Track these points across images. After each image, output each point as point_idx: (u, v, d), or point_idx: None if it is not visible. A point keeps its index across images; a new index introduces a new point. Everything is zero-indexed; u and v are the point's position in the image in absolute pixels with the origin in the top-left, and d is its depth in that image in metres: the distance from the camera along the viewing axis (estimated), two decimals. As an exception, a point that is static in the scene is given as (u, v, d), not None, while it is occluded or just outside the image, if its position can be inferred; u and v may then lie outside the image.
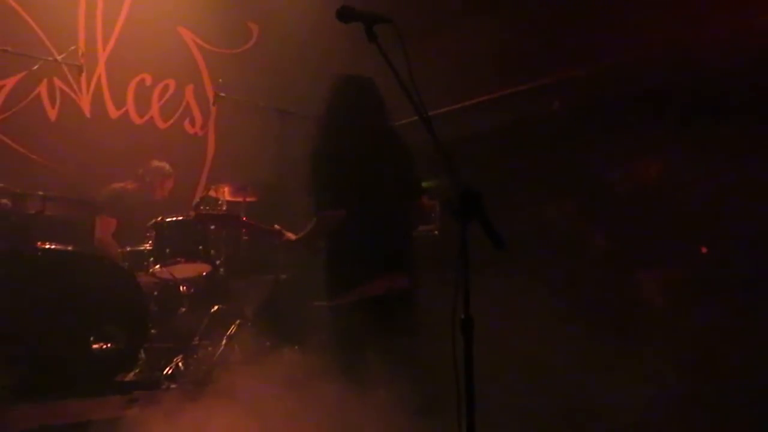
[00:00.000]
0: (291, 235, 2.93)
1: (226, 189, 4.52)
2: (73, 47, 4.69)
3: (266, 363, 3.35)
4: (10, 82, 5.04)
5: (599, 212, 3.97)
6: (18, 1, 5.14)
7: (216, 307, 4.21)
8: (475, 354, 1.63)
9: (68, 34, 5.27)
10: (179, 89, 5.93)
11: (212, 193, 4.57)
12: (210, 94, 5.74)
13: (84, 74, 5.06)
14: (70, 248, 3.69)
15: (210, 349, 3.92)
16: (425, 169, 2.95)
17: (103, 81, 5.54)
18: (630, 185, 3.90)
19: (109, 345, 3.61)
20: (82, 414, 3.11)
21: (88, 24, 5.49)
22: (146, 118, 5.76)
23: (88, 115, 5.45)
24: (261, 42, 6.25)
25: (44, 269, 3.52)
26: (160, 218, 4.20)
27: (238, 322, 3.99)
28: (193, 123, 6.02)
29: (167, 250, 4.11)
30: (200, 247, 4.20)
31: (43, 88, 5.20)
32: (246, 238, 4.41)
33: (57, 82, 5.27)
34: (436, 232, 3.98)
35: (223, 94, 4.97)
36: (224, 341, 3.86)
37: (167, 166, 5.00)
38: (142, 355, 3.88)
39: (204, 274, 4.33)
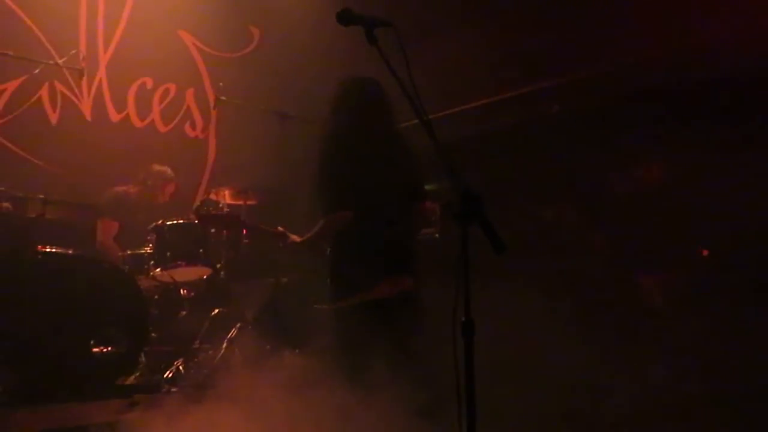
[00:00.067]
0: (295, 237, 2.91)
1: (227, 192, 4.53)
2: (74, 51, 4.70)
3: (267, 366, 3.35)
4: (12, 86, 5.05)
5: (599, 214, 3.97)
6: (19, 5, 5.15)
7: (216, 311, 4.21)
8: (475, 356, 1.63)
9: (69, 38, 5.28)
10: (180, 93, 5.93)
11: (213, 197, 4.58)
12: (211, 98, 5.75)
13: (85, 78, 5.06)
14: (70, 252, 3.69)
15: (210, 352, 3.92)
16: (425, 172, 2.96)
17: (104, 85, 5.55)
18: (630, 188, 3.90)
19: (109, 348, 3.61)
20: (82, 417, 3.11)
21: (89, 28, 5.50)
22: (147, 121, 5.77)
23: (89, 118, 5.45)
24: (262, 46, 6.26)
25: (45, 273, 3.52)
26: (160, 221, 4.20)
27: (238, 325, 3.99)
28: (193, 126, 6.03)
29: (168, 254, 4.11)
30: (201, 250, 4.20)
31: (44, 92, 5.21)
32: (247, 241, 4.41)
33: (58, 85, 5.27)
34: (437, 235, 3.98)
35: (223, 98, 4.98)
36: (225, 344, 3.86)
37: (169, 171, 5.01)
38: (143, 358, 3.88)
39: (204, 277, 4.33)
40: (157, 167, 4.97)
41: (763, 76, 3.27)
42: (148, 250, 4.18)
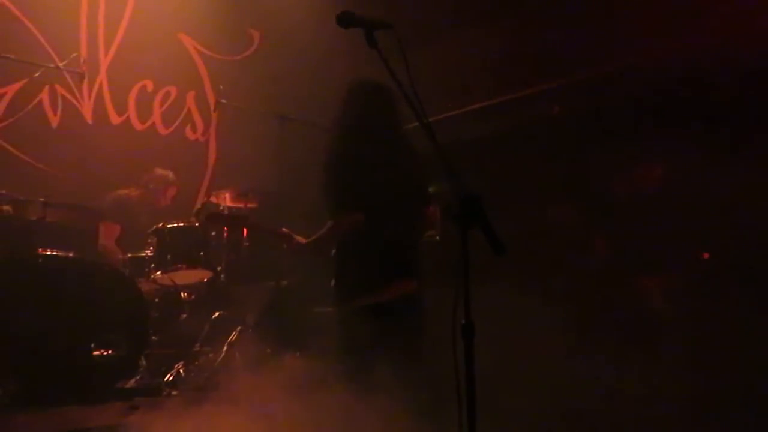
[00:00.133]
0: (301, 239, 2.88)
1: (227, 195, 4.53)
2: (74, 54, 4.71)
3: (267, 369, 3.35)
4: (12, 89, 5.06)
5: (600, 216, 3.97)
6: (20, 8, 5.16)
7: (217, 314, 4.21)
8: (476, 357, 1.63)
9: (70, 41, 5.29)
10: (180, 96, 5.94)
11: (213, 199, 4.59)
12: (211, 101, 5.76)
13: (86, 81, 5.08)
14: (71, 255, 3.69)
15: (211, 355, 3.92)
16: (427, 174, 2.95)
17: (105, 87, 5.56)
18: (631, 189, 3.90)
19: (109, 352, 3.61)
20: (83, 421, 3.10)
21: (89, 31, 5.51)
22: (148, 124, 5.77)
23: (89, 121, 5.46)
24: (262, 49, 6.26)
25: (45, 275, 3.52)
26: (161, 224, 4.20)
27: (239, 328, 3.99)
28: (194, 129, 6.03)
29: (168, 257, 4.11)
30: (201, 253, 4.20)
31: (45, 95, 5.22)
32: (247, 244, 4.41)
33: (59, 88, 5.28)
34: (437, 238, 3.97)
35: (224, 101, 4.99)
36: (225, 348, 3.86)
37: (171, 174, 5.04)
38: (143, 361, 3.88)
39: (205, 280, 4.33)
40: (158, 171, 4.99)
41: (763, 80, 3.26)
42: (149, 253, 4.18)
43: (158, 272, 4.10)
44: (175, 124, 5.91)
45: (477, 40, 4.82)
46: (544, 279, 3.65)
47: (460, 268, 1.65)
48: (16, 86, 5.06)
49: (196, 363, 3.88)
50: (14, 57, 4.41)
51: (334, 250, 2.81)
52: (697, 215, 3.34)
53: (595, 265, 3.85)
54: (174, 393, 3.64)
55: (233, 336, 3.93)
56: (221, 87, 5.18)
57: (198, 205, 5.19)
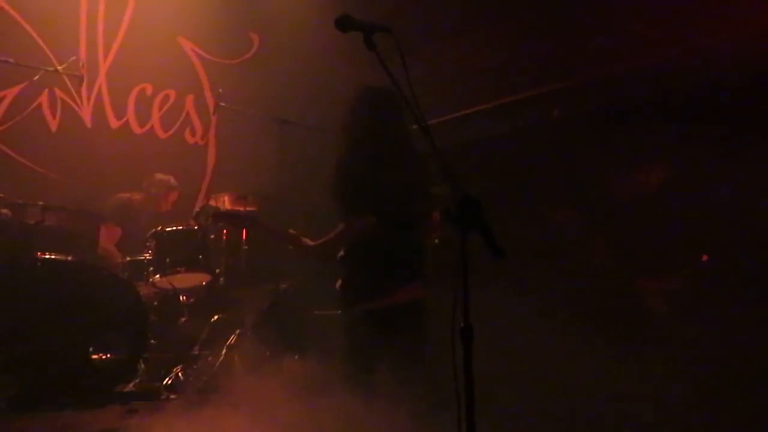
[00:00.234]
0: (308, 241, 2.84)
1: (227, 198, 4.53)
2: (74, 58, 4.71)
3: (266, 372, 3.34)
4: (11, 93, 5.06)
5: (601, 220, 3.97)
6: (19, 12, 5.16)
7: (216, 317, 4.21)
8: (476, 359, 1.63)
9: (69, 45, 5.30)
10: (180, 99, 5.95)
11: (212, 203, 4.59)
12: (210, 104, 5.77)
13: (85, 84, 5.09)
14: (69, 258, 3.68)
15: (210, 359, 3.91)
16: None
17: (104, 91, 5.57)
18: (631, 192, 3.90)
19: (108, 355, 3.60)
20: (81, 425, 3.10)
21: (89, 34, 5.52)
22: (147, 127, 5.78)
23: (88, 125, 5.47)
24: (261, 52, 6.27)
25: (44, 279, 3.51)
26: (160, 228, 4.20)
27: (238, 331, 3.99)
28: (193, 133, 6.04)
29: (167, 260, 4.11)
30: (200, 257, 4.20)
31: (44, 99, 5.22)
32: (246, 247, 4.41)
33: (58, 92, 5.29)
34: (437, 241, 3.97)
35: (223, 104, 4.99)
36: (224, 351, 3.85)
37: (172, 180, 5.06)
38: (142, 365, 3.87)
39: (204, 283, 4.32)
40: (160, 176, 5.01)
41: (763, 83, 3.27)
42: (148, 256, 4.18)
43: (157, 276, 4.10)
44: (174, 127, 5.92)
45: (477, 43, 4.83)
46: (544, 282, 3.65)
47: (459, 271, 1.65)
48: (15, 90, 5.06)
49: (195, 366, 3.88)
50: (13, 60, 4.41)
51: (341, 253, 2.80)
52: (699, 218, 3.35)
53: (596, 268, 3.85)
54: (173, 396, 3.63)
55: (232, 339, 3.93)
56: (220, 90, 5.19)
57: (197, 209, 5.20)
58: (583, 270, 3.82)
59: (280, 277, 4.20)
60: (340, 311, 2.86)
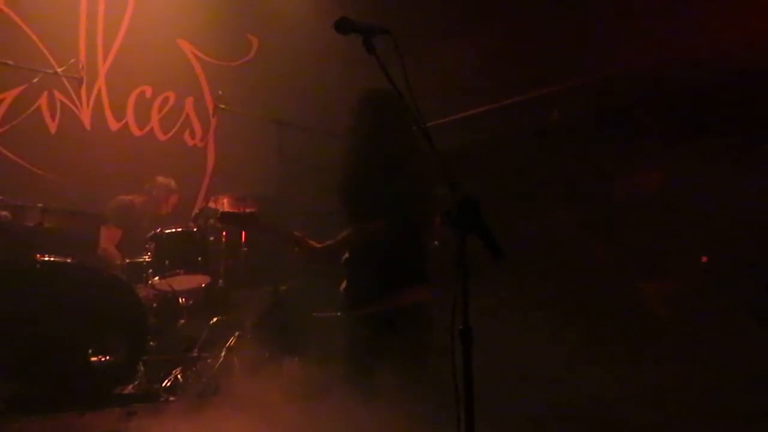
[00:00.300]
0: (315, 243, 2.84)
1: (226, 200, 4.53)
2: (73, 60, 4.71)
3: (266, 375, 3.34)
4: (11, 95, 5.06)
5: (599, 221, 3.97)
6: (19, 14, 5.17)
7: (215, 319, 4.20)
8: (476, 362, 1.63)
9: (69, 47, 5.30)
10: (179, 101, 5.95)
11: (212, 204, 4.58)
12: (210, 106, 5.76)
13: (84, 86, 5.08)
14: (68, 260, 3.68)
15: (209, 361, 3.91)
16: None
17: (103, 93, 5.57)
18: (630, 194, 3.90)
19: (107, 357, 3.60)
20: (80, 427, 3.10)
21: (88, 37, 5.52)
22: (146, 130, 5.78)
23: (88, 127, 5.46)
24: (260, 54, 6.27)
25: (43, 281, 3.51)
26: (159, 230, 4.20)
27: (237, 333, 3.98)
28: (192, 135, 6.04)
29: (166, 262, 4.11)
30: (199, 259, 4.20)
31: (43, 101, 5.22)
32: (245, 249, 4.41)
33: (57, 94, 5.29)
34: (436, 243, 3.97)
35: (222, 106, 4.98)
36: (223, 353, 3.85)
37: (173, 183, 5.08)
38: (141, 367, 3.86)
39: (203, 285, 4.32)
40: (161, 179, 5.03)
41: (761, 87, 3.27)
42: (147, 258, 4.18)
43: (156, 278, 4.10)
44: (174, 129, 5.92)
45: (475, 45, 4.84)
46: (544, 283, 3.65)
47: (459, 273, 1.65)
48: (15, 92, 5.06)
49: (194, 369, 3.87)
50: (13, 63, 4.41)
51: (345, 255, 2.80)
52: (698, 220, 3.35)
53: (594, 270, 3.85)
54: (172, 399, 3.62)
55: (231, 341, 3.92)
56: (220, 92, 5.18)
57: (196, 210, 5.19)
58: (581, 271, 3.82)
59: (280, 279, 4.19)
60: (341, 313, 2.86)
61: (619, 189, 3.93)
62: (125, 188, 5.00)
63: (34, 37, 5.21)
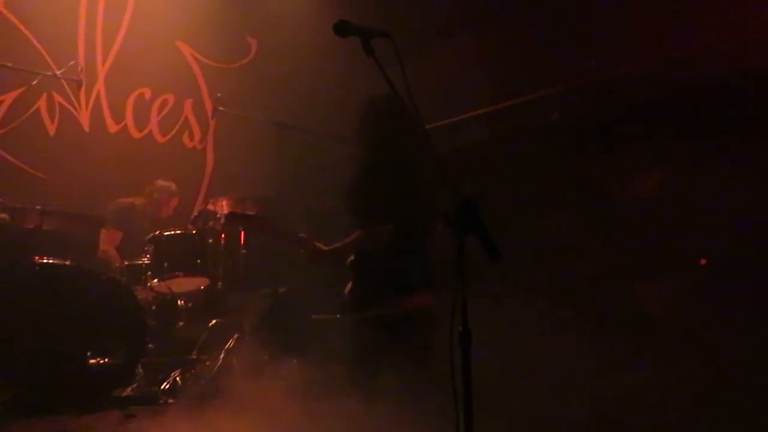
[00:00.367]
0: (321, 245, 2.81)
1: (225, 202, 4.53)
2: (72, 62, 4.71)
3: (265, 377, 3.34)
4: (10, 97, 5.07)
5: (599, 223, 3.98)
6: (18, 16, 5.17)
7: (214, 321, 4.20)
8: (475, 362, 1.63)
9: (68, 49, 5.31)
10: (178, 103, 5.95)
11: (211, 207, 4.58)
12: (209, 108, 5.76)
13: (83, 89, 5.08)
14: (67, 263, 3.68)
15: (208, 363, 3.90)
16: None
17: (102, 95, 5.57)
18: (629, 195, 3.91)
19: (106, 360, 3.60)
20: (79, 430, 3.10)
21: (87, 39, 5.53)
22: (145, 132, 5.78)
23: (87, 129, 5.47)
24: (259, 56, 6.28)
25: (41, 283, 3.51)
26: (158, 232, 4.19)
27: (236, 335, 3.98)
28: (191, 137, 6.04)
29: (165, 264, 4.10)
30: (198, 261, 4.19)
31: (42, 103, 5.22)
32: (244, 251, 4.40)
33: (56, 96, 5.29)
34: (439, 246, 3.98)
35: (221, 108, 4.99)
36: (222, 355, 3.84)
37: (173, 186, 5.08)
38: (140, 369, 3.86)
39: (202, 287, 4.31)
40: (161, 182, 5.03)
41: (761, 88, 3.28)
42: (146, 260, 4.17)
43: (155, 280, 4.09)
44: (173, 131, 5.92)
45: (475, 47, 4.84)
46: (543, 284, 3.65)
47: (458, 274, 1.65)
48: (14, 94, 5.06)
49: (193, 371, 3.87)
50: (12, 65, 4.42)
51: (351, 258, 2.79)
52: (696, 221, 3.35)
53: (594, 271, 3.86)
54: (171, 401, 3.62)
55: (230, 343, 3.92)
56: (219, 95, 5.18)
57: (195, 213, 5.19)
58: (581, 273, 3.82)
59: (279, 281, 4.19)
60: (341, 316, 2.85)
61: (619, 189, 3.93)
62: (124, 190, 5.00)
63: (33, 40, 5.21)
